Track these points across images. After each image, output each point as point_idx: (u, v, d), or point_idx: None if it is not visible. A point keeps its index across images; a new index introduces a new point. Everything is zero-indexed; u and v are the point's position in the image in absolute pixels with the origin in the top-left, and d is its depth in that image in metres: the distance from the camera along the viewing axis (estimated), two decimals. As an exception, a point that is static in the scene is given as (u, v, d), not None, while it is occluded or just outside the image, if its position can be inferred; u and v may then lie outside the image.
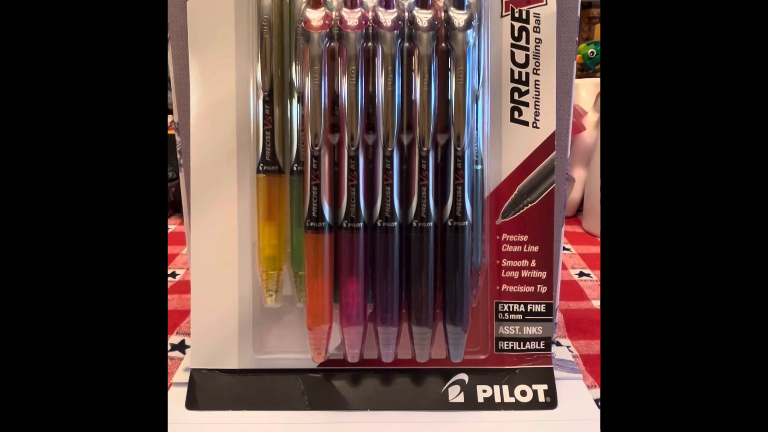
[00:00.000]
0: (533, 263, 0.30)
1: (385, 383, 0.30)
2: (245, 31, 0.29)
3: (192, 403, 0.29)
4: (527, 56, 0.29)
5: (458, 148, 0.28)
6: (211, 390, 0.30)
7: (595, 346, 0.37)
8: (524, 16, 0.29)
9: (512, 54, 0.29)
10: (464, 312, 0.29)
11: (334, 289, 0.29)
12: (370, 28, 0.27)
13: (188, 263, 0.31)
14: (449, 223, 0.28)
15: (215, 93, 0.29)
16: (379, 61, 0.27)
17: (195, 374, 0.30)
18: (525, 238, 0.30)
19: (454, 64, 0.27)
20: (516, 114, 0.30)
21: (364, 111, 0.28)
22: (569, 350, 0.36)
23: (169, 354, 0.36)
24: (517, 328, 0.31)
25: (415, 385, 0.30)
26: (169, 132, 0.57)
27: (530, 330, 0.31)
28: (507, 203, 0.30)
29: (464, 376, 0.30)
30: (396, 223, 0.28)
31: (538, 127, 0.30)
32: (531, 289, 0.31)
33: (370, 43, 0.28)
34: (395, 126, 0.27)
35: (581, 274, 0.51)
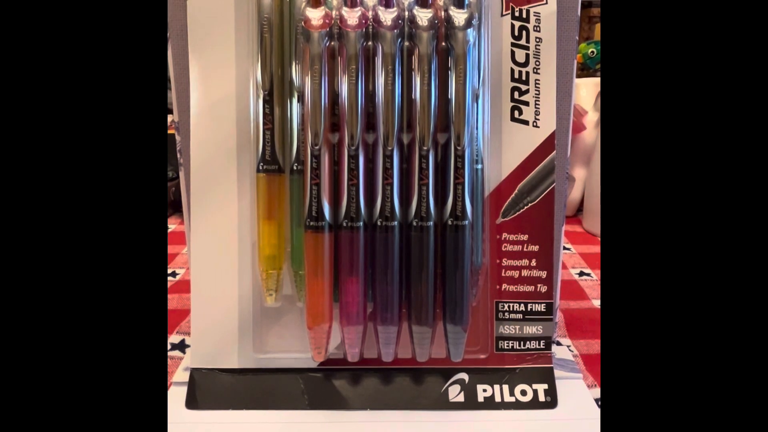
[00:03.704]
0: (533, 263, 0.30)
1: (385, 383, 0.30)
2: (245, 31, 0.29)
3: (192, 403, 0.29)
4: (527, 55, 0.29)
5: (458, 148, 0.28)
6: (211, 389, 0.30)
7: (595, 346, 0.37)
8: (524, 15, 0.29)
9: (512, 53, 0.29)
10: (464, 311, 0.29)
11: (334, 289, 0.29)
12: (370, 27, 0.27)
13: (188, 263, 0.31)
14: (449, 222, 0.28)
15: (215, 92, 0.29)
16: (379, 61, 0.27)
17: (195, 374, 0.30)
18: (525, 237, 0.30)
19: (454, 63, 0.27)
20: (516, 113, 0.30)
21: (364, 110, 0.28)
22: (569, 350, 0.36)
23: (169, 353, 0.36)
24: (517, 327, 0.31)
25: (415, 384, 0.30)
26: (169, 131, 0.57)
27: (530, 329, 0.31)
28: (507, 202, 0.30)
29: (464, 376, 0.30)
30: (396, 223, 0.28)
31: (539, 127, 0.30)
32: (531, 288, 0.31)
33: (370, 42, 0.27)
34: (395, 125, 0.27)
35: (581, 274, 0.51)
